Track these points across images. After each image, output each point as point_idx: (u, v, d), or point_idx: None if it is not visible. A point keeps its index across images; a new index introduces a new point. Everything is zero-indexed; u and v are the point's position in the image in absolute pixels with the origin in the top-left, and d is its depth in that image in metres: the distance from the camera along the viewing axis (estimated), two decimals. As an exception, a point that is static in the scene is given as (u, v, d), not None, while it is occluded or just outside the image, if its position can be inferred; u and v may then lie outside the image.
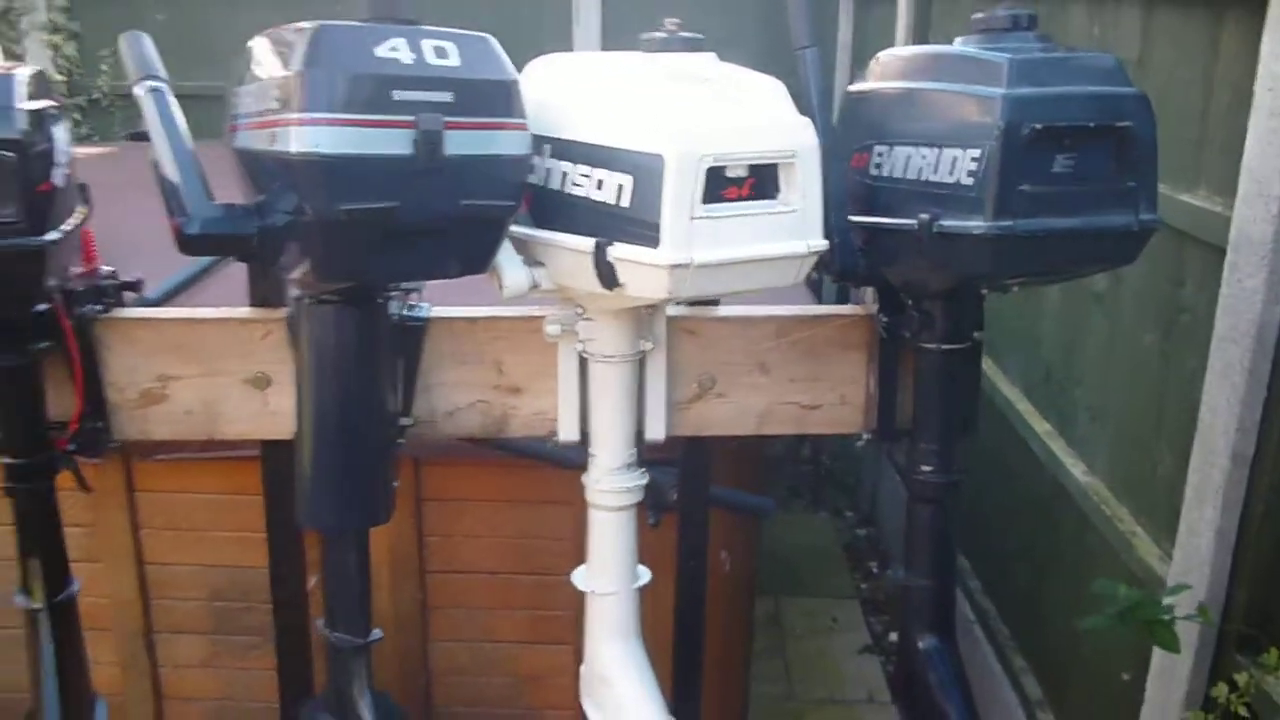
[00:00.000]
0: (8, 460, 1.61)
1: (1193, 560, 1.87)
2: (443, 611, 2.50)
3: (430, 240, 1.35)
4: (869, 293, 1.76)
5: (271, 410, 1.74)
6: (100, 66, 5.02)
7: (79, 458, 1.69)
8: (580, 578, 1.72)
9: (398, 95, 1.27)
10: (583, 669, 1.79)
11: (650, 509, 2.01)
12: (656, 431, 1.72)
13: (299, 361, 1.60)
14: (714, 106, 1.30)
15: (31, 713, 1.74)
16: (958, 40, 1.45)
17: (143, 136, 1.49)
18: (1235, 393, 1.73)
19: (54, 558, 1.67)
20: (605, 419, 1.65)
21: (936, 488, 1.68)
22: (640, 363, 1.66)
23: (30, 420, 1.62)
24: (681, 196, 1.25)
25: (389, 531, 2.34)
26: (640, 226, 1.28)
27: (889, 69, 1.55)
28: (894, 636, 3.68)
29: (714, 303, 1.78)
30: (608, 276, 1.34)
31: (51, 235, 1.33)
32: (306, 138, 1.24)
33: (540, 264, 1.48)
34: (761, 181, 1.31)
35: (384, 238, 1.32)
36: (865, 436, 1.79)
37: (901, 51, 1.55)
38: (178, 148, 1.39)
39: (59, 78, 5.00)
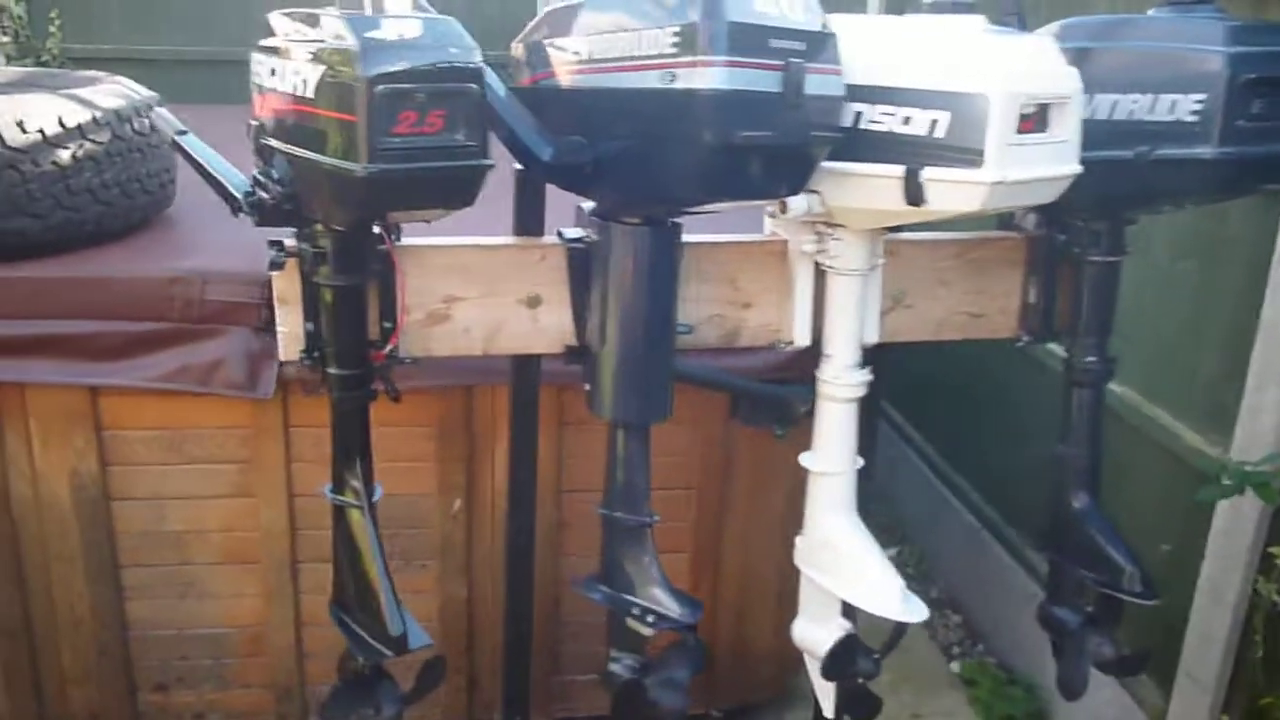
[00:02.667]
0: (337, 372, 1.79)
1: (1254, 439, 2.33)
2: (575, 528, 2.75)
3: (778, 166, 1.63)
4: (1030, 218, 2.13)
5: (541, 327, 1.97)
6: (49, 28, 4.90)
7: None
8: (809, 459, 2.04)
9: (774, 43, 1.55)
10: (799, 540, 2.10)
11: (778, 422, 2.35)
12: (870, 336, 2.04)
13: (600, 280, 1.84)
14: (1018, 56, 1.64)
15: (341, 600, 1.92)
16: (1151, 11, 1.84)
17: None
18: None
19: (368, 461, 1.86)
20: (841, 324, 1.97)
21: (1095, 374, 2.08)
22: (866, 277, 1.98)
23: (357, 337, 1.80)
24: (1004, 128, 1.58)
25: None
26: (959, 152, 1.61)
27: (1074, 33, 1.92)
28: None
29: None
30: (916, 196, 1.66)
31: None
32: (711, 77, 1.51)
33: (814, 191, 1.78)
34: (1041, 117, 1.66)
35: (744, 163, 1.60)
36: (1024, 338, 2.17)
37: (1087, 21, 1.93)
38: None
39: (4, 39, 4.86)
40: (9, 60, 4.90)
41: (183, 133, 1.82)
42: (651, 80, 1.57)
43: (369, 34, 1.39)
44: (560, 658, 2.85)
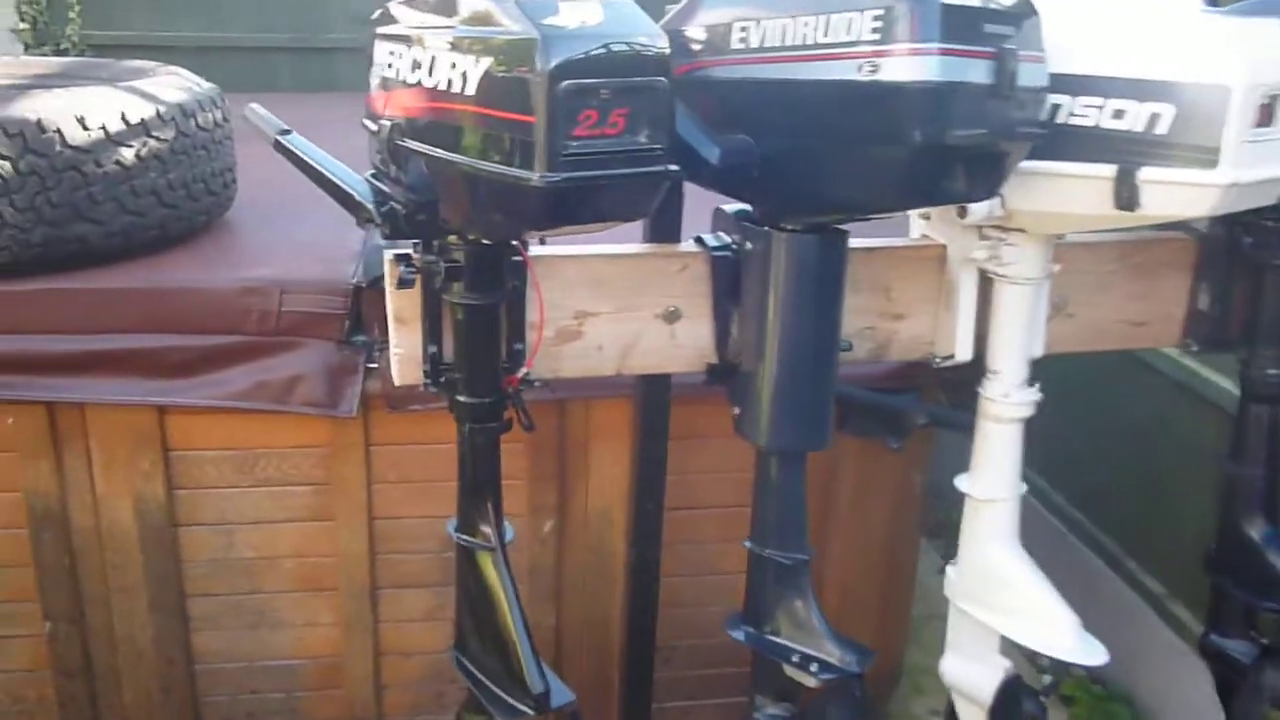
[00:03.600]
0: (469, 400, 1.60)
1: None
2: (673, 547, 2.57)
3: (979, 167, 1.45)
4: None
5: (679, 343, 1.79)
6: (68, 14, 4.67)
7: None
8: (968, 484, 1.86)
9: (987, 27, 1.36)
10: (950, 571, 1.93)
11: (892, 434, 2.17)
12: (1037, 349, 1.86)
13: (755, 292, 1.65)
14: (1260, 41, 1.45)
15: (464, 646, 1.74)
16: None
17: None
18: None
19: (499, 498, 1.67)
20: (1010, 338, 1.78)
21: (1277, 387, 1.90)
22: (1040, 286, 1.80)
23: (491, 361, 1.61)
24: (1242, 123, 1.40)
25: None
26: (1187, 150, 1.42)
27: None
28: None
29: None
30: (1129, 199, 1.48)
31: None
32: (921, 67, 1.32)
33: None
34: (1270, 110, 1.47)
35: (949, 165, 1.41)
36: (1193, 348, 1.99)
37: None
38: None
39: (23, 25, 4.62)
40: (27, 49, 4.67)
41: (286, 132, 1.62)
42: (843, 71, 1.38)
43: (548, 20, 1.19)
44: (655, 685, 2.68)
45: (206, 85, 2.48)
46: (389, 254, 1.57)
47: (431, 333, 1.63)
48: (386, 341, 2.26)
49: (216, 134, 2.41)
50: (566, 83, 1.17)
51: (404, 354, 1.68)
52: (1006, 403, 1.79)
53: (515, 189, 1.21)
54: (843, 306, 1.66)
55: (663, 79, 1.25)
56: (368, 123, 1.55)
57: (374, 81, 1.51)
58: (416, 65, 1.35)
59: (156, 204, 2.25)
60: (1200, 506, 2.88)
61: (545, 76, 1.17)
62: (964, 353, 1.86)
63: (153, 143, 2.21)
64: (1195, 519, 2.77)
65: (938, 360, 1.88)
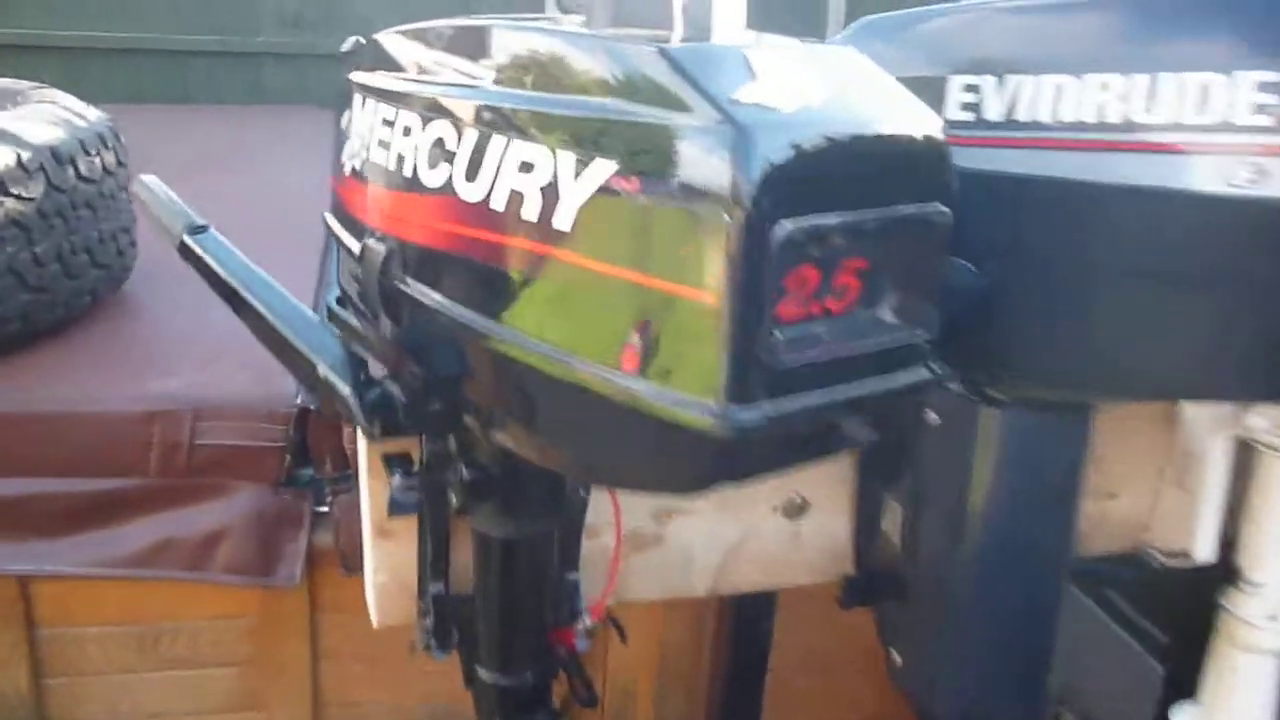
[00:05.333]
0: (500, 681, 0.98)
1: None
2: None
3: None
4: None
5: (802, 547, 1.19)
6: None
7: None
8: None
9: None
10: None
11: None
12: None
13: (937, 484, 1.07)
14: None
15: None
16: None
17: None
18: None
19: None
20: (1283, 536, 1.21)
21: None
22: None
23: (532, 613, 0.99)
24: None
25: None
26: None
27: None
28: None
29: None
30: None
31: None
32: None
33: None
34: None
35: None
36: None
37: None
38: None
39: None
40: None
41: (199, 229, 0.99)
42: (1185, 173, 0.79)
43: (740, 94, 0.58)
44: None
45: (94, 117, 1.82)
46: (368, 447, 0.95)
47: (435, 565, 1.01)
48: (341, 479, 1.66)
49: (106, 184, 1.76)
50: (790, 223, 0.56)
51: (386, 583, 1.06)
52: (1272, 628, 1.22)
53: (660, 432, 0.60)
54: (1078, 513, 1.08)
55: (940, 206, 0.65)
56: (336, 226, 0.93)
57: (349, 162, 0.89)
58: (442, 155, 0.73)
59: (17, 287, 1.60)
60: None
61: (744, 206, 0.56)
62: (1205, 551, 1.29)
63: (10, 203, 1.55)
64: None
65: (1161, 558, 1.31)
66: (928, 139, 0.64)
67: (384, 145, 0.80)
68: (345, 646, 1.78)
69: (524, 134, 0.65)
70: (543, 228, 0.64)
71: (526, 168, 0.65)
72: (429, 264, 0.76)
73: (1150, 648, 1.62)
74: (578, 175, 0.62)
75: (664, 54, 0.60)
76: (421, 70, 0.79)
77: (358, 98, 0.89)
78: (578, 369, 0.64)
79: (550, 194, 0.64)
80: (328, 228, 0.95)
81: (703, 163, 0.57)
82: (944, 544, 1.10)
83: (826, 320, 0.63)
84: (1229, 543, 1.29)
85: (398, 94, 0.79)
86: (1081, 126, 0.85)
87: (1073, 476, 1.06)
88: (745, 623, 1.32)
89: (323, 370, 0.84)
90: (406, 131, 0.77)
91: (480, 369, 0.76)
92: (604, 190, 0.61)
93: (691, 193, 0.58)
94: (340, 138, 0.94)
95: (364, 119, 0.86)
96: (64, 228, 1.65)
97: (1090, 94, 0.84)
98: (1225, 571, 1.28)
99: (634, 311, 0.61)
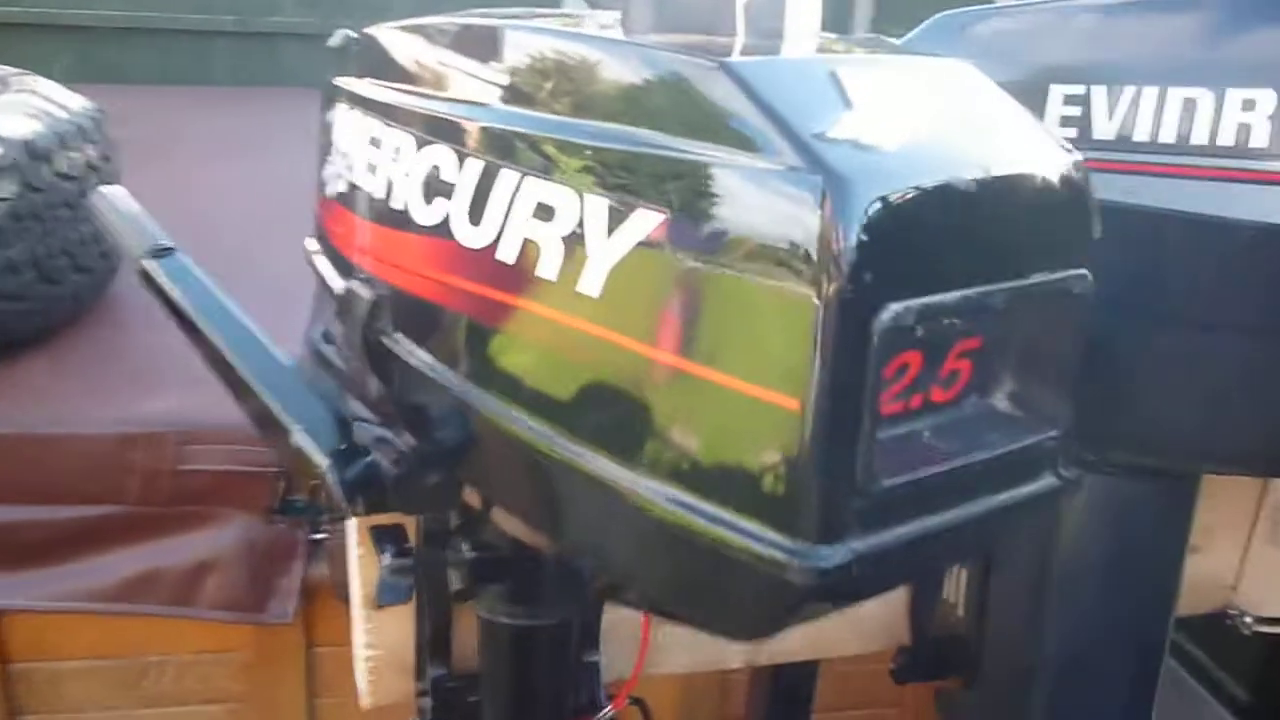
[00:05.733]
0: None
1: None
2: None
3: None
4: None
5: (860, 618, 1.04)
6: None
7: None
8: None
9: None
10: None
11: None
12: None
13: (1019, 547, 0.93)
14: None
15: None
16: None
17: None
18: None
19: None
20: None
21: None
22: None
23: (550, 704, 0.85)
24: None
25: None
26: None
27: None
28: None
29: None
30: None
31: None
32: None
33: None
34: None
35: None
36: None
37: None
38: None
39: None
40: None
41: (164, 251, 0.85)
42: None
43: (833, 131, 0.44)
44: None
45: (78, 107, 1.68)
46: (356, 525, 0.81)
47: (435, 645, 0.87)
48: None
49: (89, 180, 1.62)
50: (899, 306, 0.42)
51: (378, 661, 0.93)
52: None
53: (716, 565, 0.46)
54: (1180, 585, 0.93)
55: (1082, 271, 0.50)
56: (318, 256, 0.79)
57: (331, 183, 0.75)
58: (439, 187, 0.58)
59: (-11, 296, 1.47)
60: None
61: (841, 283, 0.41)
62: (1289, 609, 1.14)
63: (-20, 205, 1.42)
64: None
65: (1251, 622, 1.16)
66: (1068, 184, 0.49)
67: (371, 169, 0.66)
68: (344, 683, 1.65)
69: (543, 169, 0.51)
70: (563, 291, 0.50)
71: (545, 212, 0.51)
72: (422, 318, 0.62)
73: (1229, 706, 1.48)
74: (612, 228, 0.48)
75: (727, 70, 0.45)
76: (418, 78, 0.65)
77: (342, 106, 0.74)
78: (608, 473, 0.49)
79: (575, 248, 0.49)
80: (309, 258, 0.81)
81: (781, 221, 0.43)
82: (1021, 616, 0.96)
83: (930, 415, 0.48)
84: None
85: (388, 107, 0.65)
86: (1215, 151, 0.70)
87: (1176, 544, 0.92)
88: (782, 697, 1.18)
89: (297, 437, 0.70)
90: (397, 154, 0.62)
91: (489, 445, 0.62)
92: (645, 248, 0.47)
93: (765, 260, 0.43)
94: (322, 147, 0.80)
95: (349, 133, 0.71)
96: (38, 230, 1.51)
97: (1230, 113, 0.69)
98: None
99: (681, 409, 0.47)
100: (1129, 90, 0.75)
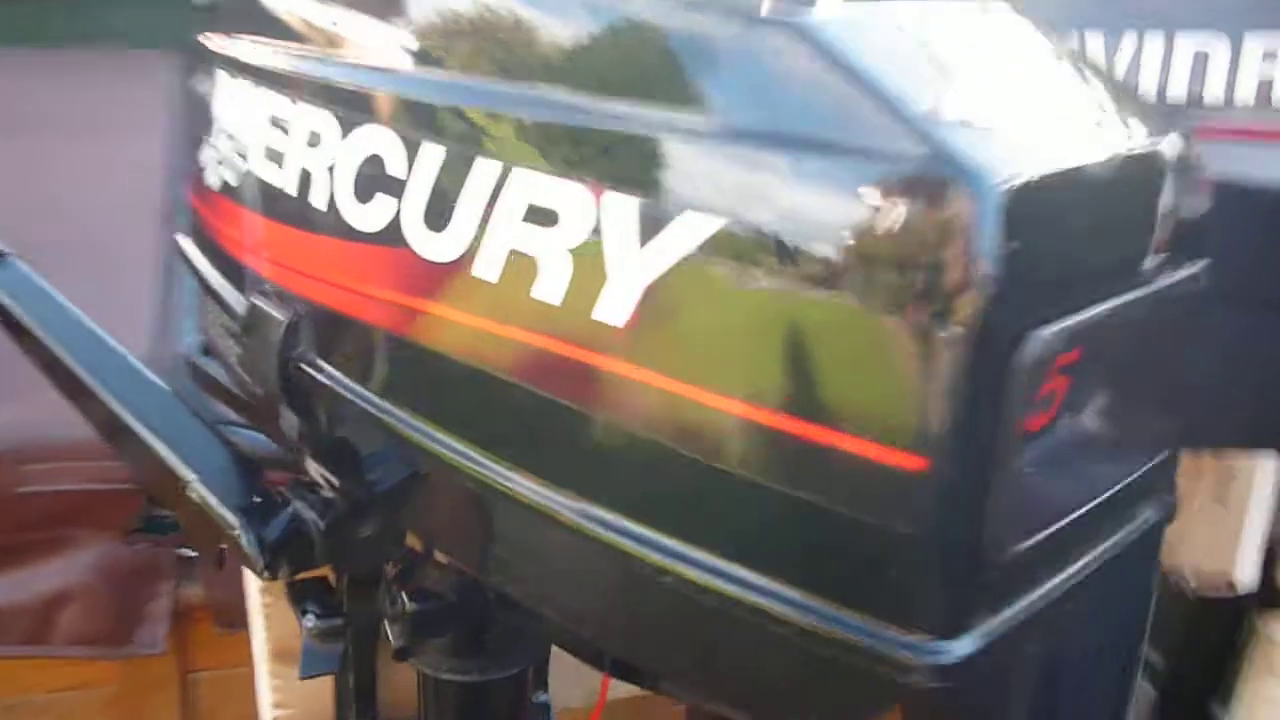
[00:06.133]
0: None
1: None
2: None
3: None
4: None
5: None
6: None
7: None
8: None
9: None
10: None
11: None
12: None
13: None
14: None
15: None
16: None
17: None
18: None
19: None
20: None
21: None
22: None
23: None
24: None
25: None
26: None
27: None
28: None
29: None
30: None
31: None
32: None
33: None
34: None
35: None
36: None
37: None
38: None
39: None
40: None
41: (-1, 257, 0.70)
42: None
43: (943, 107, 0.33)
44: None
45: None
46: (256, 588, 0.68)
47: (361, 703, 0.75)
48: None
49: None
50: (1047, 332, 0.32)
51: (293, 718, 0.80)
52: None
53: (806, 666, 0.36)
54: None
55: (1200, 265, 0.41)
56: (199, 260, 0.65)
57: (215, 172, 0.61)
58: (382, 181, 0.46)
59: None
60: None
61: (980, 307, 0.31)
62: (1247, 575, 1.12)
63: None
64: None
65: (1192, 582, 1.14)
66: (1182, 163, 0.40)
67: (276, 158, 0.52)
68: (225, 711, 1.51)
69: (536, 159, 0.39)
70: (572, 319, 0.39)
71: (542, 217, 0.39)
72: (362, 349, 0.49)
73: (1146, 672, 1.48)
74: (646, 237, 0.36)
75: (803, 33, 0.34)
76: (335, 39, 0.51)
77: (222, 74, 0.60)
78: (652, 549, 0.39)
79: (590, 262, 0.38)
80: (184, 259, 0.67)
81: (892, 227, 0.32)
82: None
83: (1029, 448, 0.39)
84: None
85: (296, 78, 0.51)
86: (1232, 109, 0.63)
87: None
88: None
89: (195, 489, 0.56)
90: (314, 140, 0.49)
91: (445, 492, 0.50)
92: (693, 263, 0.36)
93: (867, 279, 0.33)
94: (191, 125, 0.65)
95: (237, 109, 0.57)
96: None
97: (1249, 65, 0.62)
98: (1265, 596, 1.13)
99: (748, 465, 0.36)
100: (1129, 37, 0.67)
